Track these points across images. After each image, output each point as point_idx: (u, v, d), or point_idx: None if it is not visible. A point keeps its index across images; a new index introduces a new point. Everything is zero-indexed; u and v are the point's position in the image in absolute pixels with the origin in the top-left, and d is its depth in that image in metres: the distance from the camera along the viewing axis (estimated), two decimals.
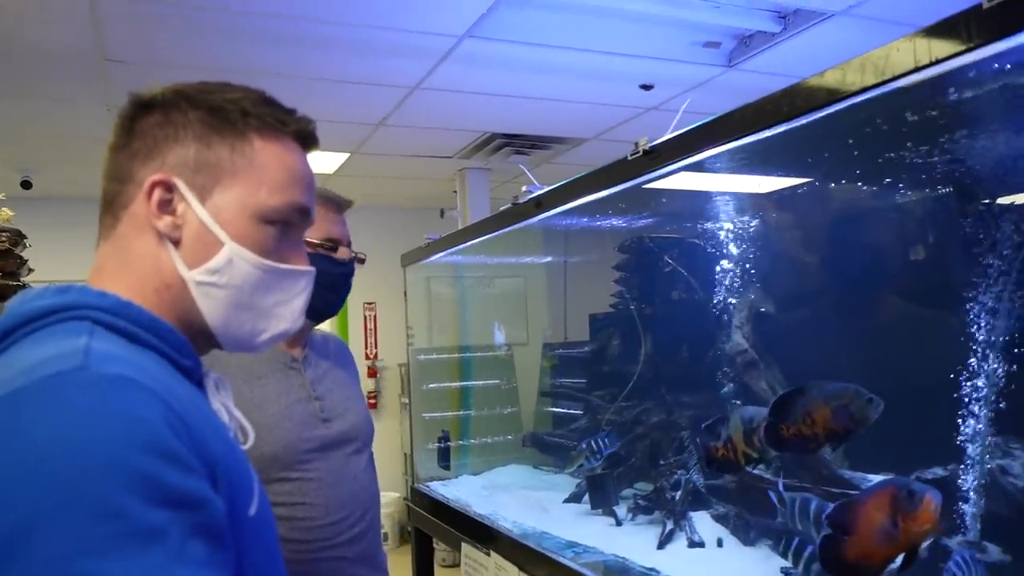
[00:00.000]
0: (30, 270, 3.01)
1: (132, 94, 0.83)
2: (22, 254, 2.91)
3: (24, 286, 2.89)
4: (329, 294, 1.55)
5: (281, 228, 0.84)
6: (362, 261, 1.65)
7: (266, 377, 1.49)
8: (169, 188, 0.80)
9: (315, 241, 1.53)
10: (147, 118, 0.82)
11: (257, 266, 0.82)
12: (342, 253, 1.58)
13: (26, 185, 5.04)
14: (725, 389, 1.94)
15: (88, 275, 0.82)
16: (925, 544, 1.20)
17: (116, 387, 0.65)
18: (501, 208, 2.25)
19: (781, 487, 1.57)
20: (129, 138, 0.82)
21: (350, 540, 1.49)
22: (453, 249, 2.72)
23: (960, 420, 1.41)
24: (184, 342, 0.81)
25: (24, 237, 2.91)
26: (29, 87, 3.55)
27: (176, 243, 0.80)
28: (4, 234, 2.58)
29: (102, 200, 0.84)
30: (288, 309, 0.86)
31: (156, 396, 0.66)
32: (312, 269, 0.89)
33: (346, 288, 1.60)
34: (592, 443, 2.14)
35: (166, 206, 0.80)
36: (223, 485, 0.70)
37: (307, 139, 0.88)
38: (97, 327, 0.73)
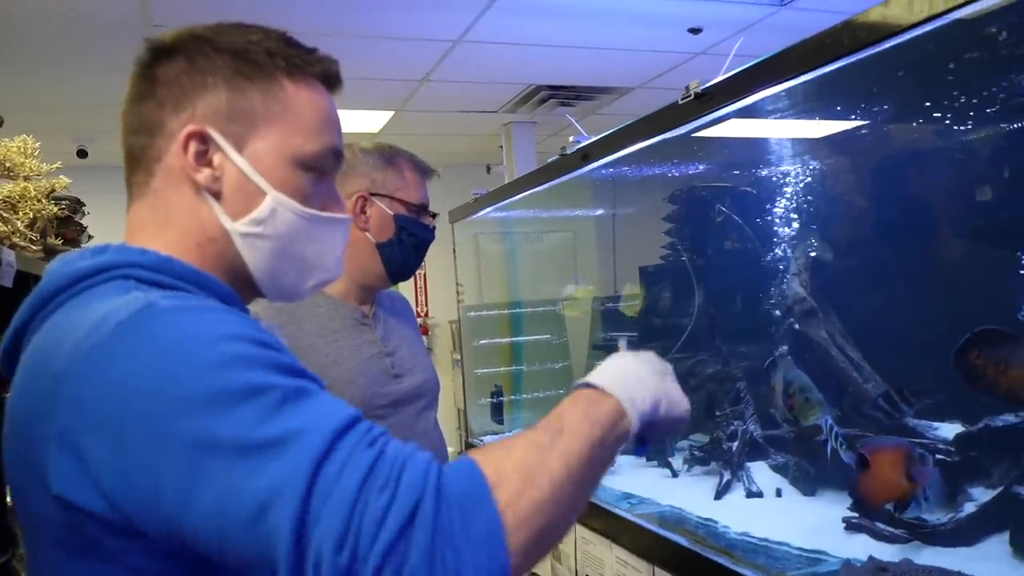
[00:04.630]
0: (90, 237, 3.08)
1: (148, 39, 0.80)
2: (81, 221, 2.98)
3: None
4: (415, 256, 1.59)
5: (317, 174, 0.82)
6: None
7: (339, 333, 1.51)
8: (204, 139, 0.77)
9: (413, 203, 1.56)
10: (169, 65, 0.78)
11: (299, 214, 0.80)
12: (428, 218, 1.60)
13: (82, 154, 5.15)
14: (783, 338, 1.90)
15: (124, 234, 0.80)
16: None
17: (191, 311, 0.66)
18: (548, 160, 2.22)
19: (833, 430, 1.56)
20: (152, 87, 0.78)
21: None
22: (500, 204, 2.70)
23: None
24: (229, 291, 0.79)
25: (82, 205, 2.97)
26: (79, 57, 3.60)
27: (216, 195, 0.78)
28: (63, 202, 2.63)
29: (127, 156, 0.81)
30: (329, 258, 0.85)
31: (231, 310, 0.69)
32: (348, 217, 0.87)
33: (426, 252, 1.62)
34: None
35: (202, 157, 0.77)
36: None
37: (332, 80, 0.85)
38: (140, 285, 0.72)
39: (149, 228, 0.79)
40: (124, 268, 0.73)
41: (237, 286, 0.81)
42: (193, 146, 0.76)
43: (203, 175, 0.77)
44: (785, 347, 1.86)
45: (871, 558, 1.30)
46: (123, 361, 0.62)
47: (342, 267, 0.88)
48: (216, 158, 0.77)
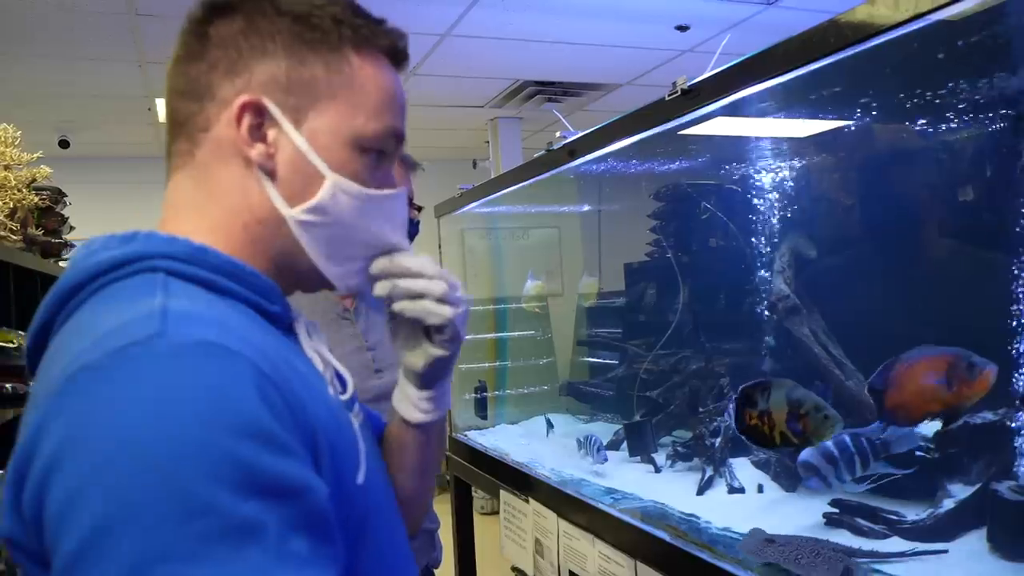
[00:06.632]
0: (71, 228, 3.06)
1: None
2: (63, 212, 2.95)
3: (66, 243, 2.95)
4: None
5: (376, 156, 0.74)
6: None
7: (320, 326, 1.50)
8: (259, 111, 0.69)
9: None
10: (226, 23, 0.70)
11: (359, 197, 0.72)
12: (413, 211, 1.60)
13: (64, 144, 5.11)
14: (766, 336, 1.91)
15: (162, 209, 0.73)
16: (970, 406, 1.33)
17: (199, 356, 0.56)
18: (535, 155, 2.22)
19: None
20: (204, 47, 0.70)
21: None
22: (486, 199, 2.70)
23: (1012, 363, 1.37)
24: (271, 285, 0.72)
25: (64, 195, 2.95)
26: (64, 47, 3.56)
27: (270, 174, 0.70)
28: (44, 192, 2.61)
29: (170, 120, 0.73)
30: (393, 235, 0.78)
31: (246, 361, 0.57)
32: (404, 189, 0.80)
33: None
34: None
35: (256, 131, 0.70)
36: (326, 458, 0.62)
37: (400, 56, 0.77)
38: (171, 279, 0.64)
39: (190, 205, 0.72)
40: (152, 259, 0.65)
41: (282, 275, 0.73)
42: (248, 118, 0.69)
43: (257, 151, 0.70)
44: (769, 363, 1.87)
45: (758, 530, 1.39)
46: (98, 400, 0.54)
47: (407, 238, 0.81)
48: (270, 133, 0.70)
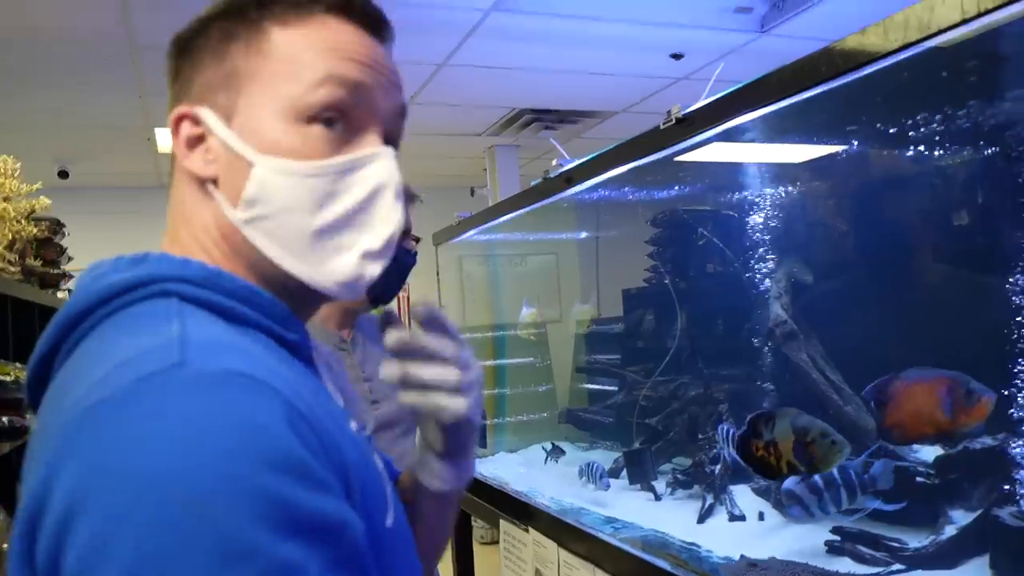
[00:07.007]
0: (69, 258, 3.07)
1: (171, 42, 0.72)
2: (61, 243, 2.96)
3: (65, 274, 2.95)
4: (396, 280, 1.59)
5: (334, 123, 0.66)
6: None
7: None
8: (196, 121, 0.67)
9: None
10: (179, 57, 0.70)
11: (298, 173, 0.64)
12: (411, 243, 1.61)
13: (63, 175, 5.13)
14: (764, 362, 1.91)
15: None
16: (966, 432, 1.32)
17: (226, 386, 0.52)
18: (532, 183, 2.23)
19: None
20: (171, 85, 0.71)
21: None
22: (484, 226, 2.71)
23: (1009, 390, 1.37)
24: (286, 311, 0.66)
25: (63, 226, 2.96)
26: (64, 77, 3.59)
27: (216, 182, 0.66)
28: (43, 223, 2.62)
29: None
30: (374, 210, 0.67)
31: (274, 392, 0.53)
32: (377, 150, 0.67)
33: (407, 276, 1.62)
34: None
35: (197, 142, 0.67)
36: (357, 496, 0.58)
37: (347, 8, 0.68)
38: (185, 304, 0.60)
39: (172, 232, 0.69)
40: (165, 282, 0.61)
41: (281, 297, 0.67)
42: (184, 129, 0.67)
43: (192, 160, 0.67)
44: (767, 389, 1.87)
45: (743, 556, 1.39)
46: (122, 435, 0.49)
47: (401, 215, 0.68)
48: (210, 140, 0.67)
